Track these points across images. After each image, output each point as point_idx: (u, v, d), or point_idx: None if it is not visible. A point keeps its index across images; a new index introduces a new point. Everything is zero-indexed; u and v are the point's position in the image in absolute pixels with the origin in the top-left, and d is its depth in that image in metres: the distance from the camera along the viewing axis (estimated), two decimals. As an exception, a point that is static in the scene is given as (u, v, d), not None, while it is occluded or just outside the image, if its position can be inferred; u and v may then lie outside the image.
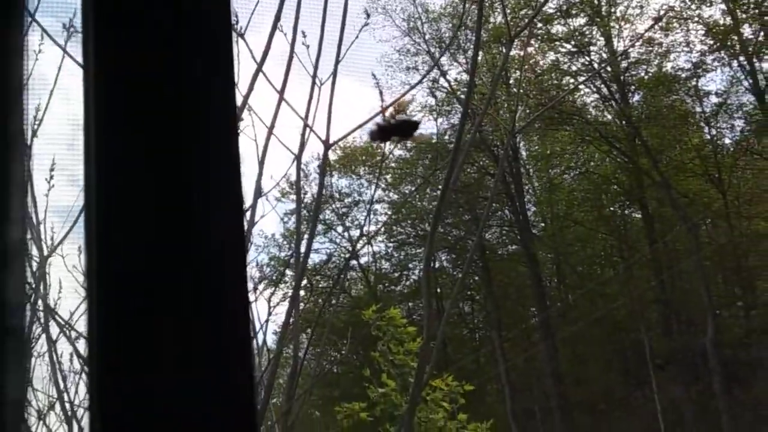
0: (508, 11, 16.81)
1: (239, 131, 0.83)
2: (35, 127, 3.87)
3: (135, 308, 0.74)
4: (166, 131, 0.79)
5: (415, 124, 3.26)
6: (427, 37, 21.03)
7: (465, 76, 18.63)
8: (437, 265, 22.07)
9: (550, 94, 19.66)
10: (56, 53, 3.95)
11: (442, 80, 19.99)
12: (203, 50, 0.82)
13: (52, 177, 4.36)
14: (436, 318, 5.19)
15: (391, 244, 23.58)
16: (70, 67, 3.90)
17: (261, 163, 3.81)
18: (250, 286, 4.61)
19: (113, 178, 0.77)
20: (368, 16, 4.44)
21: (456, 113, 19.64)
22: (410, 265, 22.57)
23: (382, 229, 22.02)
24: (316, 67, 3.97)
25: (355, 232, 21.85)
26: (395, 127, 3.13)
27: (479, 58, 19.41)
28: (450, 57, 19.88)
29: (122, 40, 0.80)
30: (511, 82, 18.60)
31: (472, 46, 18.61)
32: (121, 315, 0.73)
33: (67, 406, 4.29)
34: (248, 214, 3.94)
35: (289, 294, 4.50)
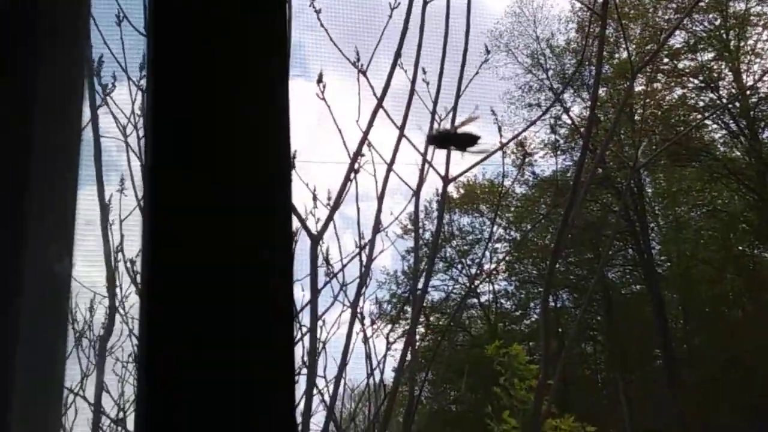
0: (634, 46, 16.61)
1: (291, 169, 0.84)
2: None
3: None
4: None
5: (475, 138, 3.23)
6: (550, 73, 20.94)
7: (588, 112, 18.45)
8: (559, 304, 21.77)
9: (676, 130, 19.30)
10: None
11: (564, 117, 19.85)
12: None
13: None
14: (558, 357, 5.11)
15: (512, 283, 23.39)
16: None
17: (380, 199, 3.82)
18: (368, 322, 4.61)
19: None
20: (488, 52, 4.44)
21: (579, 150, 19.43)
22: (531, 304, 22.32)
23: (503, 268, 21.86)
24: (435, 103, 3.98)
25: (476, 271, 21.77)
26: (455, 137, 3.11)
27: (602, 94, 19.21)
28: (574, 93, 19.73)
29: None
30: (636, 118, 18.34)
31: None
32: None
33: None
34: (367, 249, 3.95)
35: (414, 334, 4.50)
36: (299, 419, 3.87)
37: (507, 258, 21.43)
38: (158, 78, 0.81)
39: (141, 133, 3.98)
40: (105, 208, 3.39)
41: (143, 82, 3.94)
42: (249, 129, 0.81)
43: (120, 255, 4.12)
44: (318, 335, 4.26)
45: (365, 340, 4.41)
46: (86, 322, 4.45)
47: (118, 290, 4.30)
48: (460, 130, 3.32)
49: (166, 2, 0.82)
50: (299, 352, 4.20)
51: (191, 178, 0.78)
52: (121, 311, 4.52)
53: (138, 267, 4.22)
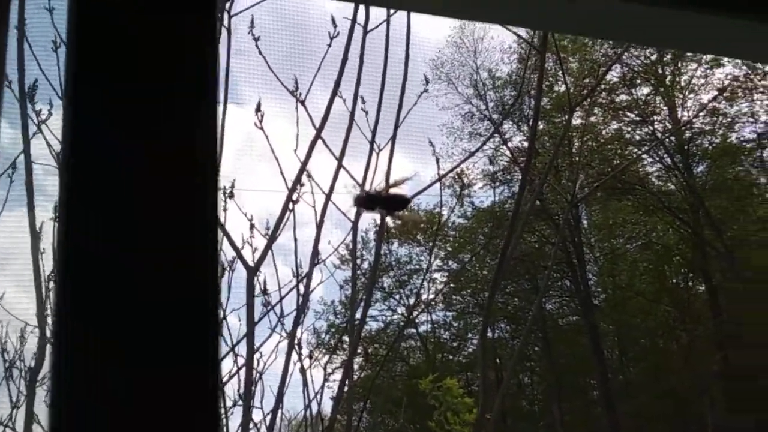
0: (571, 80, 16.82)
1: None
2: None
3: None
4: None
5: (405, 201, 3.22)
6: (491, 105, 21.10)
7: (527, 144, 18.64)
8: (497, 334, 21.86)
9: (612, 164, 19.55)
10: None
11: (504, 148, 20.00)
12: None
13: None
14: (495, 389, 5.11)
15: (450, 313, 23.44)
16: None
17: (318, 229, 3.80)
18: (305, 352, 4.58)
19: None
20: (427, 82, 4.45)
21: (517, 182, 19.59)
22: (469, 335, 22.37)
23: (441, 298, 21.91)
24: (374, 133, 3.98)
25: (414, 300, 21.80)
26: (384, 199, 3.09)
27: (541, 126, 19.42)
28: (513, 125, 19.91)
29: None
30: (573, 150, 18.54)
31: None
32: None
33: None
34: (305, 280, 3.92)
35: (352, 363, 4.47)
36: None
37: (445, 289, 21.49)
38: (75, 129, 0.78)
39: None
40: (36, 235, 3.32)
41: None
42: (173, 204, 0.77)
43: (51, 284, 4.04)
44: (255, 366, 4.22)
45: (302, 370, 4.38)
46: (17, 351, 4.36)
47: (49, 319, 4.22)
48: (389, 193, 3.29)
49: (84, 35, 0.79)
50: (235, 385, 4.15)
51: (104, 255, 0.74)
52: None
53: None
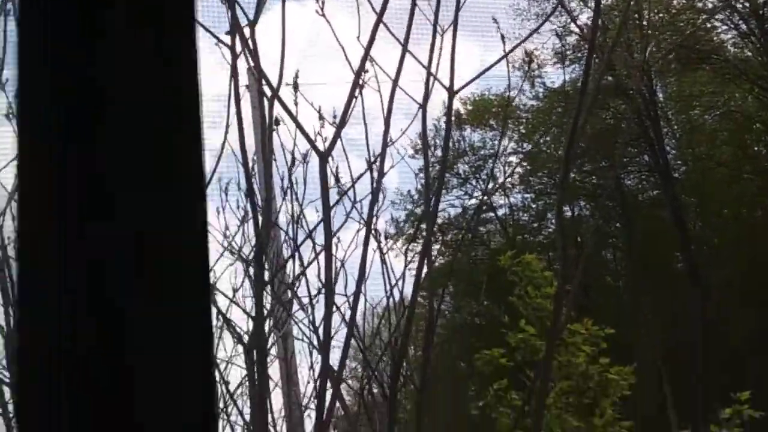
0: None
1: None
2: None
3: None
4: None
5: None
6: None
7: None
8: (576, 213, 21.78)
9: (685, 34, 19.09)
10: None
11: (573, 27, 19.62)
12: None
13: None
14: (574, 263, 5.15)
15: (528, 195, 23.39)
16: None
17: (387, 116, 3.83)
18: (385, 240, 4.65)
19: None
20: (487, -41, 4.39)
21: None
22: (548, 215, 22.32)
23: (518, 181, 21.85)
24: (436, 14, 3.96)
25: (487, 183, 21.78)
26: None
27: (609, 1, 18.96)
28: (580, 1, 19.49)
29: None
30: (644, 24, 18.10)
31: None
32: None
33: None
34: (377, 166, 3.97)
35: (430, 247, 4.53)
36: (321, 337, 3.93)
37: (520, 170, 21.39)
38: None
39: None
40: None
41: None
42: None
43: None
44: (335, 254, 4.31)
45: (382, 257, 4.46)
46: None
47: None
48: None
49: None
50: (315, 270, 4.25)
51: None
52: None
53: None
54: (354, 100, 3.76)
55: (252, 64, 3.80)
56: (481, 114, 21.71)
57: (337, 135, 3.75)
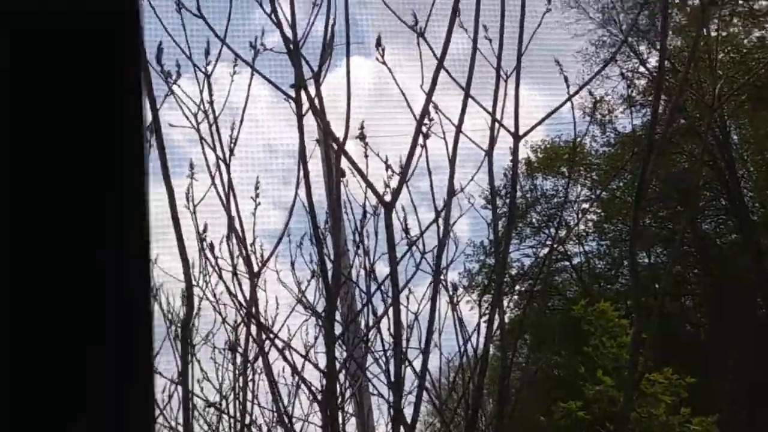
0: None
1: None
2: (231, 147, 4.00)
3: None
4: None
5: None
6: (623, 26, 20.55)
7: (665, 63, 18.06)
8: (652, 260, 21.44)
9: (757, 74, 18.82)
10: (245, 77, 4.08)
11: (642, 70, 19.49)
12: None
13: (257, 196, 4.50)
14: (651, 312, 5.04)
15: (603, 243, 23.12)
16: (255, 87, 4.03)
17: (452, 162, 3.80)
18: (459, 292, 4.58)
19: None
20: (549, 2, 4.35)
21: (661, 103, 18.98)
22: (624, 262, 22.02)
23: (592, 228, 21.62)
24: (499, 59, 3.93)
25: (556, 230, 21.57)
26: None
27: (678, 43, 18.84)
28: (649, 45, 19.37)
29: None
30: (715, 64, 17.91)
31: (671, 33, 18.10)
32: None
33: (286, 419, 4.40)
34: (445, 216, 3.93)
35: (501, 298, 4.47)
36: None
37: (594, 217, 21.17)
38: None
39: (211, 119, 4.03)
40: (172, 196, 3.42)
41: (210, 68, 3.97)
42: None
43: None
44: (407, 307, 4.26)
45: (453, 309, 4.40)
46: (174, 312, 4.53)
47: (200, 277, 4.36)
48: None
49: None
50: (386, 324, 4.21)
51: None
52: (212, 298, 4.59)
53: (218, 252, 4.27)
54: (419, 148, 3.74)
55: (318, 117, 3.80)
56: (552, 161, 21.59)
57: (401, 185, 3.72)
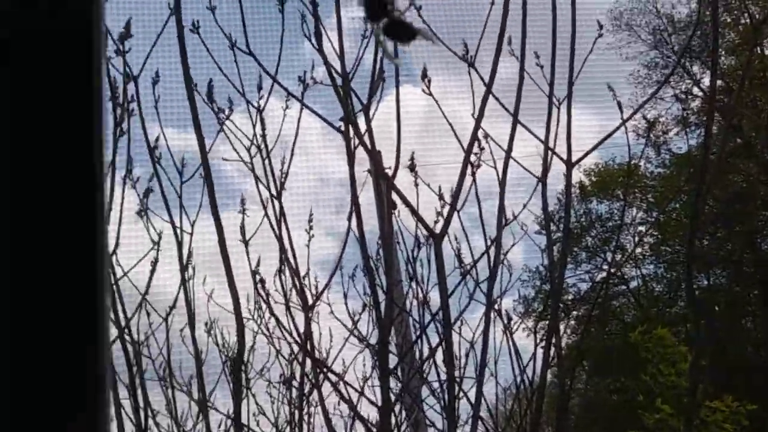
0: (757, 9, 16.04)
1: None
2: (282, 181, 4.02)
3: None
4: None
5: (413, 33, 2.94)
6: (675, 48, 20.40)
7: (718, 83, 17.88)
8: (711, 281, 21.12)
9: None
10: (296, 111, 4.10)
11: (696, 91, 19.30)
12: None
13: (311, 229, 4.52)
14: (709, 336, 4.95)
15: (660, 266, 22.84)
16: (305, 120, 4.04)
17: (502, 190, 3.78)
18: (514, 319, 4.56)
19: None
20: (601, 27, 4.32)
21: (716, 123, 18.75)
22: (682, 285, 21.69)
23: (649, 251, 21.37)
24: (551, 86, 3.91)
25: (613, 254, 21.34)
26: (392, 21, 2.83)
27: (732, 62, 18.63)
28: (702, 65, 19.19)
29: None
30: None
31: (724, 52, 17.94)
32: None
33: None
34: (496, 245, 3.90)
35: (557, 324, 4.43)
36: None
37: (651, 239, 20.93)
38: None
39: (264, 154, 4.05)
40: (221, 232, 3.43)
41: (262, 102, 4.00)
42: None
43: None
44: (462, 336, 4.24)
45: (509, 337, 4.37)
46: (228, 346, 4.54)
47: (254, 312, 4.37)
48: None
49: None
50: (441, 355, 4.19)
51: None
52: (265, 332, 4.59)
53: (272, 284, 4.28)
54: (469, 177, 3.73)
55: (369, 149, 3.81)
56: (607, 185, 21.40)
57: (450, 215, 3.72)
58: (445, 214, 3.86)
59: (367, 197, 4.27)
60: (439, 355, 4.19)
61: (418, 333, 4.32)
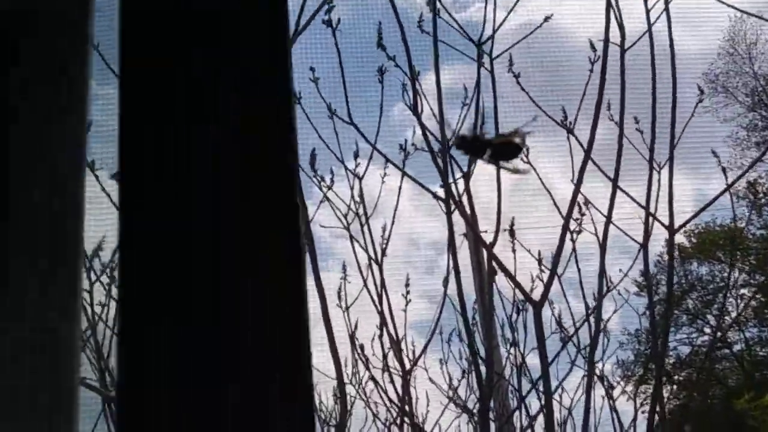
0: None
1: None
2: (384, 247, 4.05)
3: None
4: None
5: (517, 149, 2.82)
6: (774, 109, 20.03)
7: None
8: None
9: None
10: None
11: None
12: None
13: (408, 293, 4.53)
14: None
15: (765, 329, 22.23)
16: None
17: (602, 255, 3.75)
18: (613, 384, 4.50)
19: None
20: (702, 92, 4.29)
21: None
22: (789, 349, 21.10)
23: (752, 314, 20.84)
24: (651, 150, 3.89)
25: (718, 319, 20.82)
26: (493, 145, 2.73)
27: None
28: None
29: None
30: None
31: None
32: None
33: None
34: (597, 312, 3.87)
35: (661, 389, 4.35)
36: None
37: (754, 302, 20.43)
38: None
39: (363, 220, 4.09)
40: (323, 298, 3.48)
41: (359, 170, 4.05)
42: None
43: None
44: (561, 403, 4.19)
45: (610, 403, 4.31)
46: (326, 411, 4.55)
47: (351, 375, 4.38)
48: (500, 139, 2.97)
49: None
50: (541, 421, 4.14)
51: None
52: (363, 395, 4.60)
53: (370, 349, 4.29)
54: (569, 243, 3.72)
55: (466, 219, 3.83)
56: (707, 247, 21.00)
57: (549, 283, 3.70)
58: (543, 279, 3.84)
59: (460, 258, 4.27)
60: (540, 422, 4.15)
61: (515, 399, 4.29)
